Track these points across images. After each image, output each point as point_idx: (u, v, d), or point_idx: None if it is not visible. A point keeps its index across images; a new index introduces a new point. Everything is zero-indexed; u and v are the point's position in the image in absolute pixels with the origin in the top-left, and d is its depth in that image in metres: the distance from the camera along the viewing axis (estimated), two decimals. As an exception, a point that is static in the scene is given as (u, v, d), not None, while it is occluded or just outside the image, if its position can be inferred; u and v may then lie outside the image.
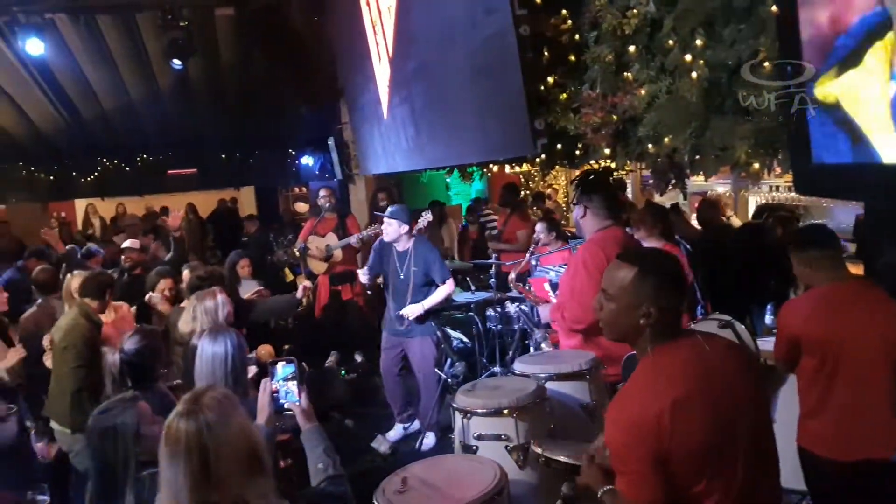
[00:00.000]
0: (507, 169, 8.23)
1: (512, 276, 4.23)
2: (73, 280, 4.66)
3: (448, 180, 9.74)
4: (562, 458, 2.14)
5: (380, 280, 5.27)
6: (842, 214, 5.66)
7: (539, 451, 2.33)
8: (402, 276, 4.84)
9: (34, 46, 7.83)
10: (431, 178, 9.45)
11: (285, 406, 2.35)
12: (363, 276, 5.06)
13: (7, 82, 9.12)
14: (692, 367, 1.72)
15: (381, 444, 4.78)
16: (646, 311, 1.73)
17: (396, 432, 5.09)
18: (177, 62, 8.02)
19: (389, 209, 4.92)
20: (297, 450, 2.37)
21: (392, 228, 4.79)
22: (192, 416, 1.74)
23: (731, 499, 1.69)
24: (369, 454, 4.68)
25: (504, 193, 7.38)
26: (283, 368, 2.37)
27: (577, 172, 5.82)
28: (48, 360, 4.51)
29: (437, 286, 4.80)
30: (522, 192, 9.35)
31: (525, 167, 8.27)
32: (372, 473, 3.73)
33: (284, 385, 2.35)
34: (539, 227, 5.67)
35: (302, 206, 12.87)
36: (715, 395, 1.69)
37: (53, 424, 4.11)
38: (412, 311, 4.74)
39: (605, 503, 1.81)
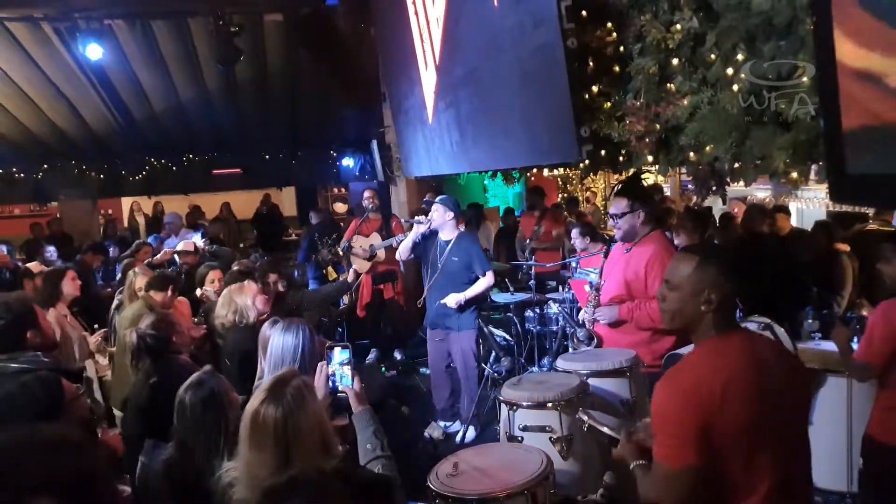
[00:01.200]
0: (546, 172, 8.40)
1: (583, 314, 4.02)
2: (137, 279, 4.91)
3: (486, 182, 9.92)
4: (604, 430, 2.30)
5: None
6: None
7: (585, 418, 2.49)
8: (440, 266, 4.95)
9: (93, 51, 8.20)
10: (469, 180, 9.63)
11: (339, 388, 2.49)
12: (401, 250, 5.17)
13: (65, 84, 9.51)
14: (747, 356, 1.84)
15: (434, 431, 4.91)
16: (707, 298, 1.86)
17: (435, 430, 5.14)
18: (224, 65, 8.32)
19: (439, 196, 5.12)
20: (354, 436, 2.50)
21: (438, 213, 4.94)
22: (276, 402, 1.86)
23: (766, 487, 1.79)
24: (420, 442, 4.84)
25: (531, 197, 7.58)
26: (339, 353, 2.51)
27: (616, 178, 5.96)
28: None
29: (476, 281, 4.92)
30: (560, 196, 9.54)
31: (564, 171, 8.42)
32: (422, 459, 3.90)
33: (340, 369, 2.50)
34: (574, 233, 5.82)
35: (341, 207, 13.15)
36: (764, 386, 1.81)
37: (116, 412, 4.38)
38: (453, 300, 4.85)
39: (636, 475, 1.95)
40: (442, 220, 4.95)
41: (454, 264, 4.93)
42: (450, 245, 4.97)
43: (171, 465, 2.39)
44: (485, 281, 4.92)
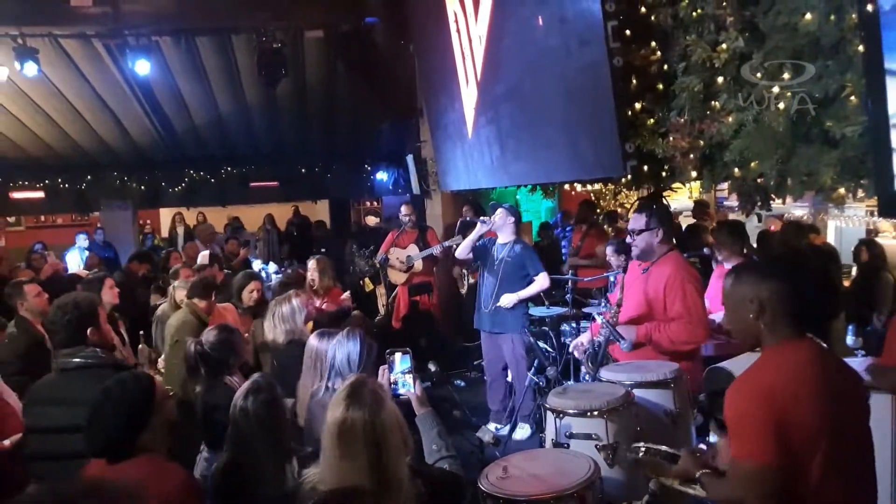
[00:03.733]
0: (579, 187, 8.46)
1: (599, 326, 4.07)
2: (177, 292, 4.99)
3: (518, 197, 10.00)
4: (662, 448, 2.36)
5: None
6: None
7: (639, 444, 2.54)
8: (496, 266, 5.22)
9: (142, 67, 8.47)
10: (501, 194, 9.71)
11: (401, 393, 2.57)
12: (460, 249, 5.40)
13: (111, 98, 9.81)
14: (815, 362, 1.89)
15: (486, 435, 5.02)
16: (752, 308, 1.92)
17: (486, 434, 5.33)
18: (269, 84, 8.55)
19: (506, 204, 5.42)
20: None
21: (500, 217, 5.20)
22: (359, 406, 1.88)
23: (840, 494, 1.82)
24: (469, 446, 4.95)
25: (582, 210, 7.59)
26: (400, 361, 2.61)
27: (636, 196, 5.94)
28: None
29: (530, 284, 5.16)
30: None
31: (598, 186, 8.49)
32: (471, 460, 3.97)
33: (402, 377, 2.59)
34: (609, 249, 5.84)
35: (372, 220, 13.33)
36: (834, 392, 1.85)
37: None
38: (507, 300, 5.11)
39: (703, 482, 2.00)
40: (503, 222, 5.21)
41: (509, 265, 5.18)
42: (506, 248, 5.25)
43: (227, 473, 2.44)
44: (539, 281, 5.18)
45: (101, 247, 10.45)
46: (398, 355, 2.62)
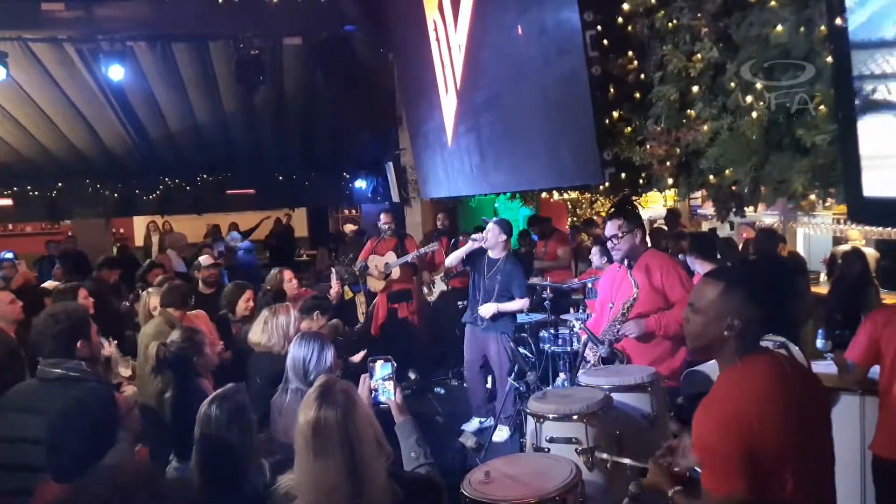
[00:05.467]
0: (556, 196, 8.57)
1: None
2: (151, 299, 4.90)
3: (496, 205, 10.07)
4: (626, 461, 2.37)
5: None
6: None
7: (605, 456, 2.55)
8: (487, 280, 5.38)
9: (115, 72, 8.39)
10: (480, 202, 9.78)
11: (381, 401, 2.54)
12: (450, 258, 5.69)
13: (83, 103, 9.68)
14: (775, 378, 1.87)
15: (468, 440, 5.09)
16: (730, 324, 1.89)
17: (472, 425, 5.49)
18: (248, 90, 8.52)
19: (495, 219, 5.54)
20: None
21: (493, 234, 5.32)
22: (331, 405, 1.86)
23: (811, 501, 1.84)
24: (450, 451, 5.00)
25: (542, 226, 7.85)
26: (381, 368, 2.57)
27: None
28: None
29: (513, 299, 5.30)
30: (571, 219, 9.77)
31: (574, 194, 8.60)
32: (452, 468, 3.98)
33: (382, 384, 2.55)
34: (595, 250, 5.99)
35: (350, 228, 13.28)
36: (794, 406, 1.85)
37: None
38: (486, 310, 5.29)
39: (676, 502, 1.96)
40: (495, 240, 5.34)
41: (496, 282, 5.32)
42: (497, 264, 5.38)
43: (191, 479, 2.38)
44: (518, 303, 5.36)
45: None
46: (379, 363, 2.59)
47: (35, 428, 2.64)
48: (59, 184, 11.28)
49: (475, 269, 5.56)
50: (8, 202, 11.28)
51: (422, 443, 2.41)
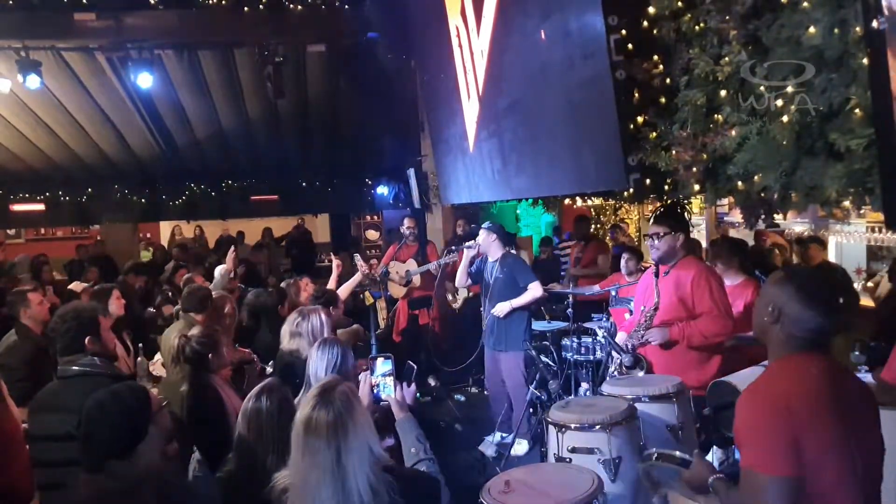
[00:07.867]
0: (580, 202, 8.48)
1: (626, 338, 4.10)
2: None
3: (518, 212, 10.01)
4: (675, 453, 2.33)
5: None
6: None
7: (652, 450, 2.51)
8: (493, 282, 5.36)
9: (144, 80, 8.49)
10: (501, 209, 9.73)
11: (382, 398, 2.58)
12: (458, 278, 5.68)
13: (112, 111, 9.83)
14: (828, 376, 1.87)
15: (488, 448, 5.12)
16: (772, 311, 1.92)
17: (495, 438, 5.48)
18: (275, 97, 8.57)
19: (487, 223, 5.52)
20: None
21: (483, 239, 5.37)
22: (327, 406, 1.89)
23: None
24: (471, 458, 5.02)
25: (581, 227, 7.68)
26: (381, 364, 2.62)
27: (650, 209, 6.10)
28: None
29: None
30: (595, 225, 9.64)
31: (598, 201, 8.50)
32: (471, 476, 3.95)
33: (383, 380, 2.61)
34: (626, 255, 5.93)
35: (373, 234, 13.32)
36: (846, 406, 1.83)
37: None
38: (501, 309, 5.22)
39: (715, 487, 1.97)
40: (487, 243, 5.35)
41: (501, 281, 5.32)
42: (496, 264, 5.39)
43: (231, 477, 2.41)
44: (530, 291, 5.26)
45: None
46: (380, 359, 2.64)
47: (59, 424, 2.82)
48: (89, 189, 11.51)
49: (481, 282, 5.57)
50: (40, 207, 11.52)
51: (422, 438, 2.43)
